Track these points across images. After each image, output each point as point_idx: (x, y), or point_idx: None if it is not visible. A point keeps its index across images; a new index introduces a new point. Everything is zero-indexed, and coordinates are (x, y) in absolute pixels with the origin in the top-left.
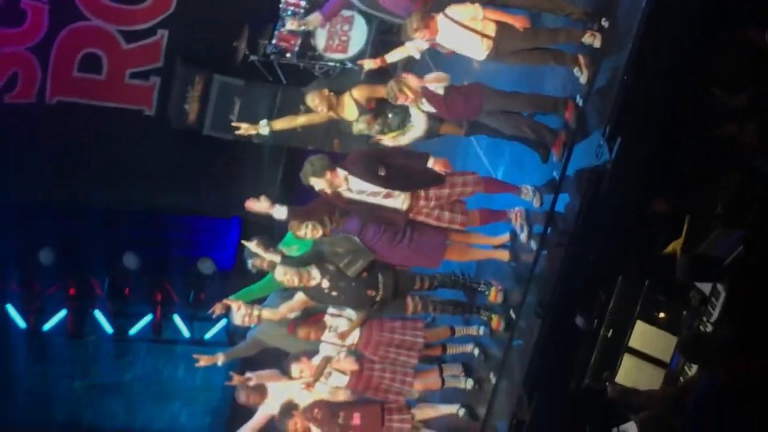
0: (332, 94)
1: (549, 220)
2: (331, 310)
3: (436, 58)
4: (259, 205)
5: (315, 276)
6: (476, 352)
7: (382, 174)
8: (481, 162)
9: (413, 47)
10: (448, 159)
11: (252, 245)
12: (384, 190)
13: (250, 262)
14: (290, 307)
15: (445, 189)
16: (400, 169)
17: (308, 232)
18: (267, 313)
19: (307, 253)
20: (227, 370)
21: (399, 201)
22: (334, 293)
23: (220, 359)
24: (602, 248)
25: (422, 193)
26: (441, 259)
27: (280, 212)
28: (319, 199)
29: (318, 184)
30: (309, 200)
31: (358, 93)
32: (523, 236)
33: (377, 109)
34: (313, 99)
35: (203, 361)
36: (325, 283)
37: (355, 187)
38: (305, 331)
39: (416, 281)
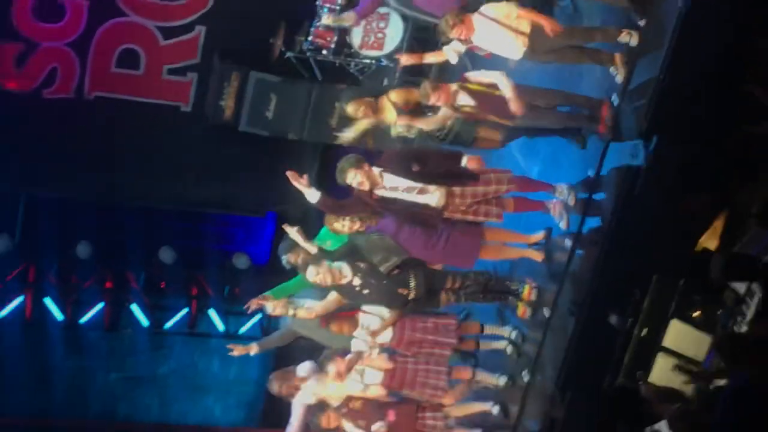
0: (372, 99)
1: (584, 218)
2: (365, 307)
3: (474, 61)
4: (299, 181)
5: (346, 273)
6: (509, 349)
7: (416, 169)
8: (515, 161)
9: (451, 50)
10: (481, 156)
11: (293, 231)
12: (418, 186)
13: (284, 258)
14: (325, 306)
15: (479, 186)
16: (434, 166)
17: (346, 225)
18: (303, 312)
19: (341, 247)
20: (262, 364)
21: (434, 198)
22: (365, 291)
23: (254, 349)
24: (637, 247)
25: (457, 190)
26: (476, 259)
27: (312, 195)
28: (353, 198)
29: (356, 177)
30: (341, 196)
31: (396, 96)
32: (562, 224)
33: (416, 111)
34: (356, 108)
35: (237, 351)
36: (357, 281)
37: (389, 184)
38: (337, 325)
39: (449, 280)
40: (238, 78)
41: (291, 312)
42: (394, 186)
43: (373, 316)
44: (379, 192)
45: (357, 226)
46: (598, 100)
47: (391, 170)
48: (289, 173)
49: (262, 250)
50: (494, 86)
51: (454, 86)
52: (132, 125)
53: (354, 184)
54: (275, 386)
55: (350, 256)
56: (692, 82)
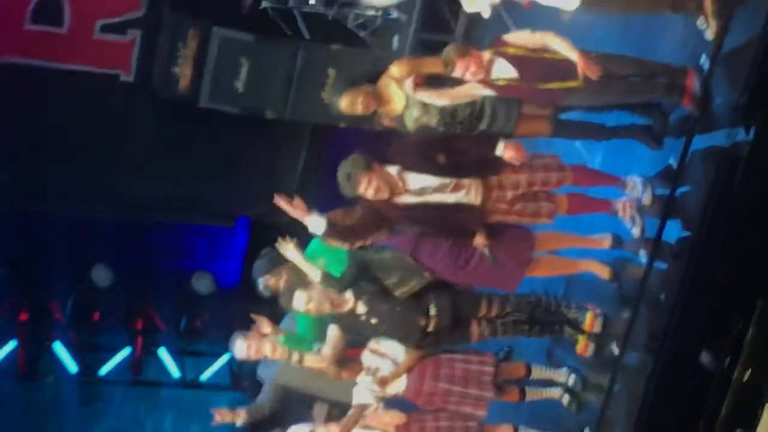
0: (371, 88)
1: (664, 222)
2: (371, 344)
3: (513, 12)
4: (292, 208)
5: (348, 298)
6: (566, 399)
7: (443, 161)
8: (571, 148)
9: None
10: (522, 144)
11: (289, 248)
12: (451, 181)
13: (261, 282)
14: (333, 347)
15: (521, 175)
16: (464, 154)
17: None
18: (311, 361)
19: (348, 272)
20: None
21: (471, 194)
22: (372, 320)
23: (240, 418)
24: (736, 260)
25: (494, 180)
26: (521, 279)
27: (317, 225)
28: (365, 212)
29: (371, 184)
30: (338, 195)
31: (399, 70)
32: (635, 231)
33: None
34: (352, 104)
35: (221, 417)
36: (361, 308)
37: (415, 185)
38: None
39: (482, 305)
40: (196, 36)
41: (295, 357)
42: (422, 187)
43: (383, 358)
44: (404, 199)
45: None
46: (681, 67)
47: (411, 166)
48: (277, 199)
49: (231, 269)
50: (544, 50)
51: (487, 54)
52: (55, 101)
53: (369, 195)
54: None
55: (358, 277)
56: None
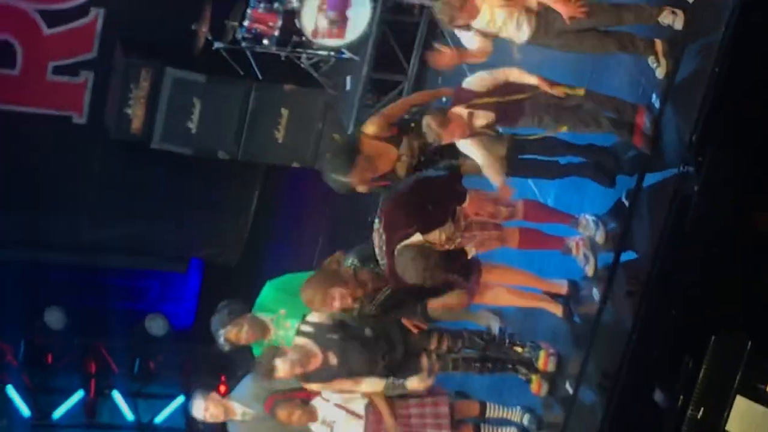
0: (363, 156)
1: (618, 260)
2: (324, 393)
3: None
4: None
5: (311, 347)
6: None
7: (432, 209)
8: (525, 185)
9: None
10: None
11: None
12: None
13: (221, 334)
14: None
15: (469, 207)
16: (442, 194)
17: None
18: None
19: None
20: None
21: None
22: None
23: None
24: (689, 297)
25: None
26: (471, 300)
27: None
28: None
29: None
30: (292, 236)
31: (374, 128)
32: (588, 269)
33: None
34: (362, 177)
35: None
36: (334, 359)
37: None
38: (287, 411)
39: (433, 339)
40: (149, 77)
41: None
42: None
43: (339, 410)
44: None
45: (349, 302)
46: (632, 103)
47: (408, 227)
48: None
49: (185, 309)
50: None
51: (460, 110)
52: (6, 143)
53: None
54: None
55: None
56: (756, 75)
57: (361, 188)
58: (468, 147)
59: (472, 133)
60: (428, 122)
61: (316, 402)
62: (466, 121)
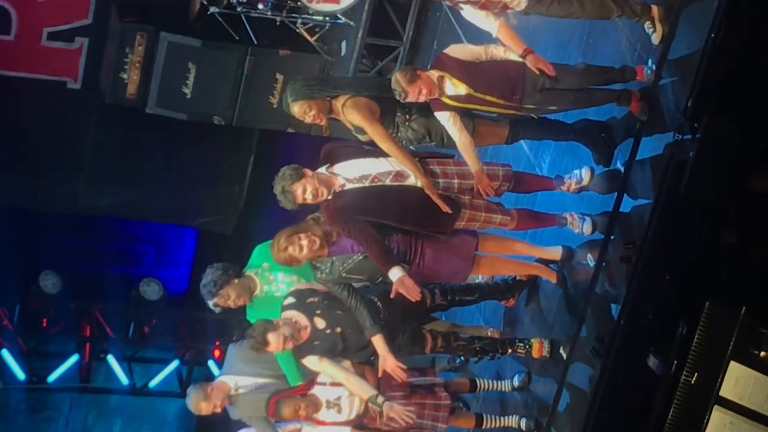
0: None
1: (611, 226)
2: (320, 378)
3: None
4: None
5: (299, 319)
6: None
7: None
8: (521, 151)
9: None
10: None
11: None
12: (392, 171)
13: (212, 302)
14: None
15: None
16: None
17: (304, 246)
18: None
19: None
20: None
21: (411, 179)
22: (337, 329)
23: None
24: (683, 263)
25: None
26: (467, 275)
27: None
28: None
29: (307, 190)
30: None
31: (354, 115)
32: (586, 228)
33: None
34: (303, 110)
35: None
36: (321, 322)
37: (349, 175)
38: (292, 408)
39: (427, 340)
40: (144, 42)
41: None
42: (361, 175)
43: (337, 387)
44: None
45: (317, 246)
46: (630, 67)
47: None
48: None
49: (180, 275)
50: (491, 52)
51: (434, 72)
52: (2, 108)
53: (309, 200)
54: None
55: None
56: (754, 41)
57: (301, 119)
58: (446, 121)
59: (441, 95)
60: (397, 78)
61: (314, 391)
62: (435, 82)
